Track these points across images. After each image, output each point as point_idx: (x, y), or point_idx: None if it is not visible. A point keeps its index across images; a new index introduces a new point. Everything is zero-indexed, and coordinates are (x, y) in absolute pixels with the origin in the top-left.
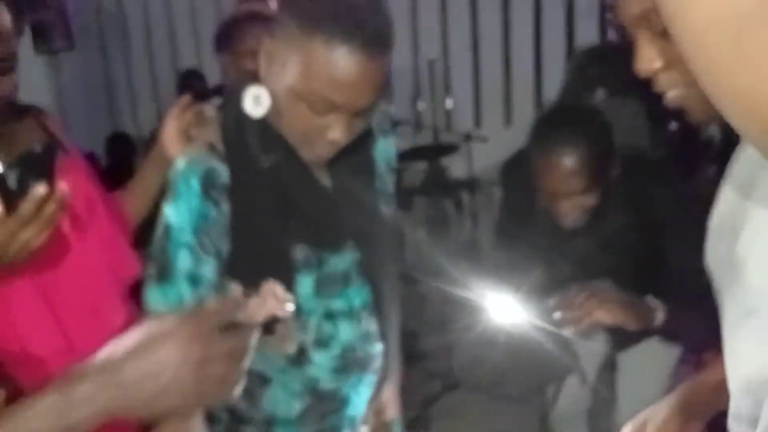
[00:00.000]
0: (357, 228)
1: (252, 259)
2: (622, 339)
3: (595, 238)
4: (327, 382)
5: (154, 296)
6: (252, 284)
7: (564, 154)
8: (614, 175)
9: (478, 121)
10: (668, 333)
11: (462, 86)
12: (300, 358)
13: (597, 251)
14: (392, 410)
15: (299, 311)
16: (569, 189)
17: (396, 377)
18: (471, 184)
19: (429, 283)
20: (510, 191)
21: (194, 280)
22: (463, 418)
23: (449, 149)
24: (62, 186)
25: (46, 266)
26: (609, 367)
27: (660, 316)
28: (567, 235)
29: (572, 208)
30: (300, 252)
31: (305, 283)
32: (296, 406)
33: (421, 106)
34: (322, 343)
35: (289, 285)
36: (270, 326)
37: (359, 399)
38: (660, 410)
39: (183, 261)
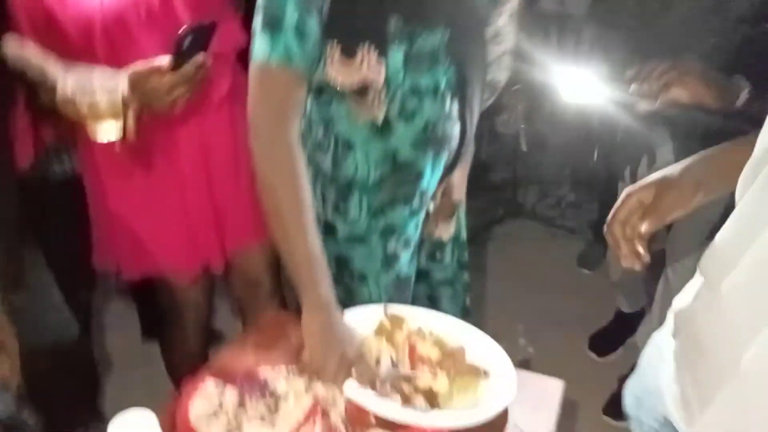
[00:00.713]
0: (450, 7)
1: (349, 23)
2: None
3: (686, 11)
4: (405, 155)
5: (262, 46)
6: (348, 48)
7: None
8: None
9: None
10: (747, 116)
11: None
12: (384, 128)
13: (685, 26)
14: (459, 193)
15: (388, 83)
16: None
17: (467, 163)
18: None
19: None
20: None
21: (301, 33)
22: (520, 243)
23: None
24: (209, 60)
25: None
26: None
27: (743, 96)
28: (658, 8)
29: None
30: (394, 24)
31: (396, 56)
32: (375, 173)
33: None
34: (407, 116)
35: (382, 55)
36: (362, 92)
37: (432, 175)
38: (672, 177)
39: (291, 13)
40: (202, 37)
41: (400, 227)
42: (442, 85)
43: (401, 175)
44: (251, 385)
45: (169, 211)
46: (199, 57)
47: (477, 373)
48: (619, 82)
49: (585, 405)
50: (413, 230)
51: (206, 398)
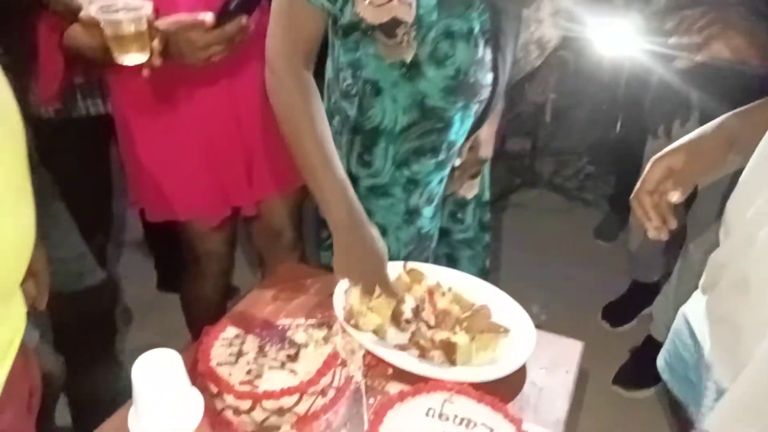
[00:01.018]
0: None
1: None
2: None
3: None
4: (435, 101)
5: None
6: None
7: None
8: None
9: None
10: None
11: None
12: (413, 71)
13: None
14: (487, 150)
15: (419, 22)
16: None
17: (496, 118)
18: None
19: None
20: None
21: None
22: (536, 212)
23: None
24: (251, 25)
25: None
26: None
27: None
28: None
29: None
30: None
31: None
32: (402, 120)
33: None
34: (438, 60)
35: None
36: (391, 30)
37: (461, 126)
38: (704, 136)
39: None
40: (249, 0)
41: (425, 180)
42: (476, 30)
43: (429, 123)
44: (271, 333)
45: (197, 155)
46: (243, 19)
47: (497, 330)
48: (657, 35)
49: (595, 375)
50: (437, 185)
51: (226, 345)
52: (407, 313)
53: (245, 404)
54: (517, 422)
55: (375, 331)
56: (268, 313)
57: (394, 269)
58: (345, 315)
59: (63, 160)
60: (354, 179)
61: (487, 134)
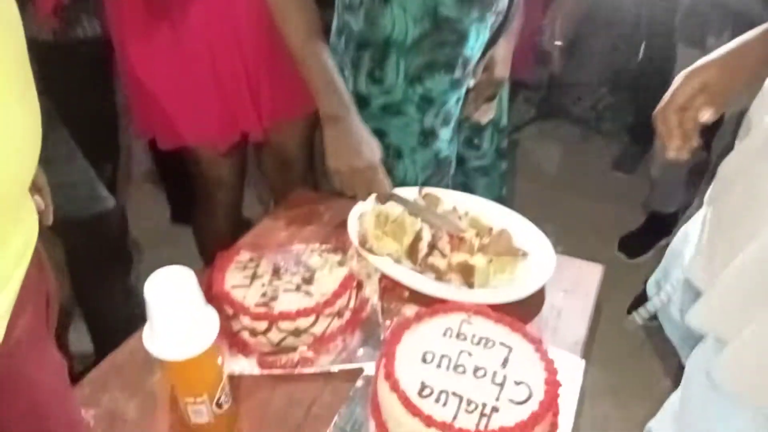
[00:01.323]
0: None
1: None
2: None
3: None
4: (448, 10)
5: None
6: None
7: None
8: None
9: None
10: None
11: None
12: None
13: None
14: (503, 70)
15: None
16: None
17: (513, 36)
18: None
19: None
20: None
21: None
22: (554, 144)
23: None
24: None
25: None
26: None
27: None
28: None
29: None
30: None
31: None
32: (414, 31)
33: None
34: None
35: None
36: None
37: (477, 41)
38: (742, 46)
39: None
40: None
41: (440, 99)
42: None
43: (442, 35)
44: (285, 257)
45: (201, 76)
46: None
47: (515, 253)
48: None
49: (609, 305)
50: (454, 105)
51: (240, 268)
52: (424, 249)
53: (261, 325)
54: (536, 342)
55: (390, 255)
56: (282, 239)
57: (410, 194)
58: (360, 239)
59: (64, 86)
60: (365, 99)
61: (504, 53)
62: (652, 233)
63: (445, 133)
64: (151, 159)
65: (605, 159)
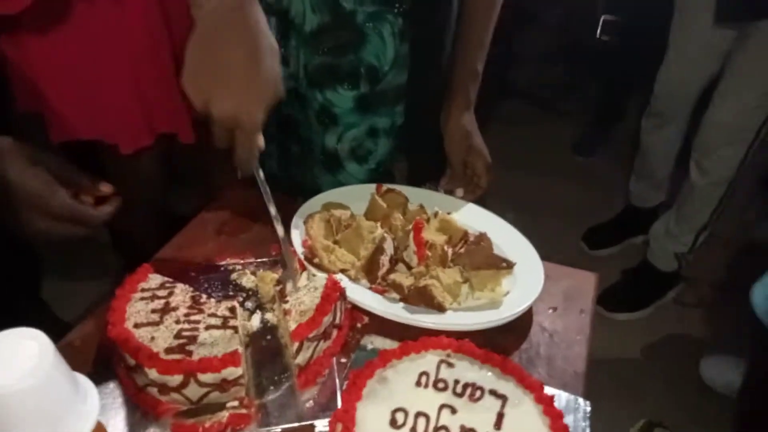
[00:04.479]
0: None
1: None
2: None
3: None
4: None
5: None
6: None
7: None
8: None
9: None
10: None
11: None
12: None
13: None
14: (486, 177)
15: None
16: None
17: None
18: None
19: None
20: None
21: None
22: (511, 125)
23: None
24: None
25: None
26: None
27: None
28: None
29: None
30: None
31: None
32: (312, 19)
33: None
34: None
35: None
36: None
37: (382, 48)
38: None
39: None
40: None
41: (343, 119)
42: None
43: (341, 33)
44: (209, 278)
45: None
46: None
47: (498, 265)
48: None
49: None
50: (368, 140)
51: (148, 299)
52: (385, 264)
53: (175, 379)
54: (536, 388)
55: (344, 271)
56: (208, 251)
57: (365, 193)
58: (306, 251)
59: None
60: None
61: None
62: (623, 228)
63: (354, 169)
64: None
65: (564, 141)
